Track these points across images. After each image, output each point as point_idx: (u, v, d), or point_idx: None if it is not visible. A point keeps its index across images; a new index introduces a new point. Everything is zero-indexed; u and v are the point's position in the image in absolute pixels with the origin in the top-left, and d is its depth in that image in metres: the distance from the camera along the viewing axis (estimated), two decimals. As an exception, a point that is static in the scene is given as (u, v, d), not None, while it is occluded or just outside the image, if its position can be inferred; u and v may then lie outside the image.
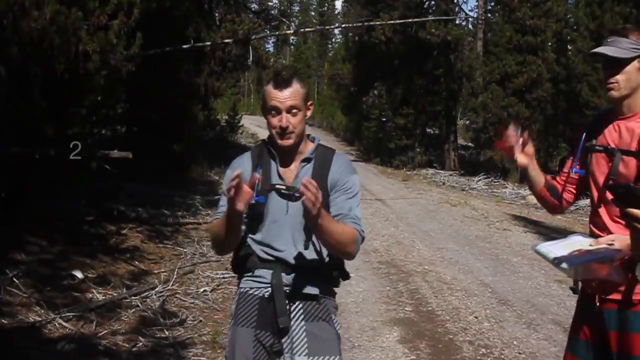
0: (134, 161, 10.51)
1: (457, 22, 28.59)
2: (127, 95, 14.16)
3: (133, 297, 7.67)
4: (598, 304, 3.30)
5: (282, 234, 3.27)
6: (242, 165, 3.32)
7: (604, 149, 3.30)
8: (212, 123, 26.15)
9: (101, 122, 12.37)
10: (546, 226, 15.01)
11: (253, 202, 3.13)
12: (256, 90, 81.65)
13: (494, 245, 12.36)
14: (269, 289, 3.26)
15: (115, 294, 7.70)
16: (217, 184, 17.99)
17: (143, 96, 14.22)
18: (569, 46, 26.08)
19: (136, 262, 9.26)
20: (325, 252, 3.29)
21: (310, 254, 3.27)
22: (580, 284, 3.46)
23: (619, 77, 3.20)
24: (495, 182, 23.24)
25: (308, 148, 3.38)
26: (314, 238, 3.26)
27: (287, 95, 3.21)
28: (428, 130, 30.22)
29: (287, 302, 3.26)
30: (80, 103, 10.29)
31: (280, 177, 3.29)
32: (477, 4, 30.38)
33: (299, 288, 3.27)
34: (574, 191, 3.61)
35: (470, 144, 31.20)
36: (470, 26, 31.48)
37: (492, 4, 29.17)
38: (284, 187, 3.08)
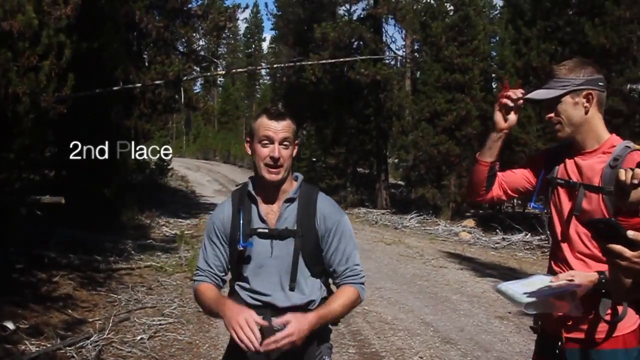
0: (63, 206, 10.26)
1: (386, 61, 28.86)
2: (55, 138, 13.89)
3: (68, 348, 7.36)
4: (560, 344, 3.25)
5: (269, 278, 3.22)
6: (223, 213, 3.33)
7: (565, 183, 3.28)
8: (142, 166, 25.83)
9: (30, 166, 12.07)
10: (481, 262, 15.13)
11: (241, 248, 3.18)
12: (186, 132, 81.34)
13: (431, 284, 12.34)
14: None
15: (49, 345, 7.39)
16: (149, 228, 17.72)
17: (72, 139, 13.94)
18: (494, 84, 26.55)
19: (69, 311, 8.95)
20: (315, 293, 3.27)
21: (298, 296, 3.23)
22: (540, 322, 3.43)
23: (558, 117, 3.21)
24: (427, 219, 23.41)
25: (292, 187, 3.33)
26: (300, 279, 3.23)
27: (282, 127, 3.20)
28: (359, 169, 30.38)
29: None
30: (8, 147, 10.01)
31: (262, 220, 3.25)
32: (404, 43, 30.76)
33: None
34: (507, 194, 3.58)
35: (400, 182, 31.40)
36: (399, 65, 31.81)
37: (419, 43, 29.58)
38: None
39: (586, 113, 3.17)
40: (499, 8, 42.22)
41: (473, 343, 8.47)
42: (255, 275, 3.23)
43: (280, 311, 3.15)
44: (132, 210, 18.41)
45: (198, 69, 21.95)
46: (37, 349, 7.24)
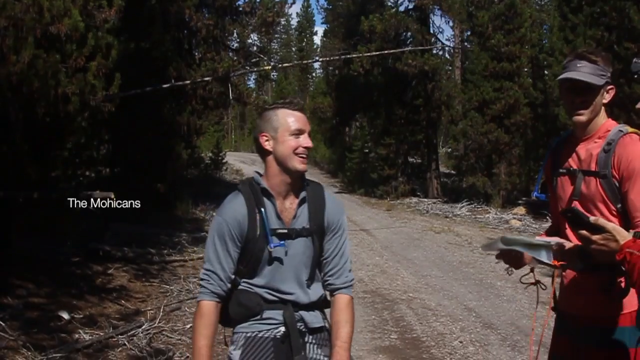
0: (118, 201, 10.59)
1: (434, 52, 28.81)
2: (109, 136, 14.27)
3: (120, 336, 7.67)
4: (574, 321, 3.41)
5: (287, 276, 3.26)
6: (237, 211, 3.21)
7: (567, 172, 3.41)
8: (196, 161, 26.24)
9: (84, 163, 12.45)
10: (530, 250, 15.11)
11: (272, 249, 3.18)
12: (239, 127, 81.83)
13: (477, 270, 12.46)
14: (280, 328, 3.24)
15: (102, 334, 7.71)
16: (203, 221, 18.02)
17: (126, 137, 14.32)
18: (545, 71, 26.33)
19: (123, 301, 9.28)
20: (321, 287, 3.38)
21: (314, 291, 3.33)
22: (557, 301, 3.59)
23: (588, 103, 3.29)
24: (478, 207, 23.35)
25: (301, 184, 3.35)
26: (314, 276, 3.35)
27: (306, 119, 3.26)
28: (410, 159, 30.35)
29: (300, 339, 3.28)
30: (62, 145, 10.39)
31: (279, 217, 3.24)
32: (453, 33, 30.71)
33: (309, 323, 3.30)
34: None
35: (452, 171, 31.33)
36: (447, 55, 31.71)
37: (468, 32, 29.46)
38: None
39: (604, 104, 3.33)
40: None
41: (514, 327, 8.60)
42: (272, 274, 3.24)
43: (302, 307, 3.28)
44: (187, 204, 18.79)
45: (248, 64, 22.14)
46: (90, 337, 7.56)
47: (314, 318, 3.32)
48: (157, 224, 14.95)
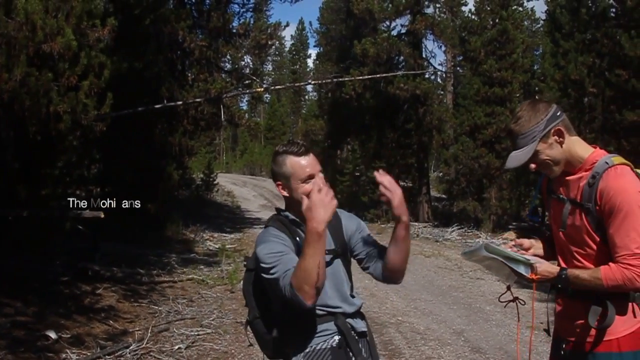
0: (108, 221, 10.58)
1: (426, 76, 28.87)
2: (101, 155, 14.25)
3: (107, 356, 7.64)
4: (564, 346, 3.50)
5: (332, 293, 3.40)
6: (280, 235, 3.34)
7: (557, 198, 3.46)
8: (187, 182, 26.21)
9: (75, 182, 12.43)
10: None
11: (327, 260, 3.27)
12: (231, 149, 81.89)
13: (467, 295, 12.44)
14: (335, 337, 3.38)
15: (89, 354, 7.67)
16: (193, 242, 18.00)
17: (117, 156, 14.30)
18: (537, 97, 26.39)
19: (111, 322, 9.23)
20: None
21: (356, 301, 3.53)
22: (551, 326, 3.69)
23: (542, 164, 3.38)
24: (468, 232, 23.33)
25: None
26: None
27: (314, 160, 3.36)
28: (401, 183, 30.30)
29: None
30: (53, 164, 10.38)
31: None
32: (445, 58, 30.84)
33: (357, 328, 3.44)
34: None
35: (443, 195, 31.36)
36: (439, 80, 31.84)
37: (460, 57, 29.56)
38: None
39: (562, 146, 3.33)
40: (541, 22, 42.19)
41: (502, 352, 8.58)
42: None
43: (348, 316, 3.43)
44: (178, 225, 18.74)
45: (240, 86, 22.20)
46: (77, 357, 7.52)
47: (359, 323, 3.48)
48: (146, 245, 14.92)
